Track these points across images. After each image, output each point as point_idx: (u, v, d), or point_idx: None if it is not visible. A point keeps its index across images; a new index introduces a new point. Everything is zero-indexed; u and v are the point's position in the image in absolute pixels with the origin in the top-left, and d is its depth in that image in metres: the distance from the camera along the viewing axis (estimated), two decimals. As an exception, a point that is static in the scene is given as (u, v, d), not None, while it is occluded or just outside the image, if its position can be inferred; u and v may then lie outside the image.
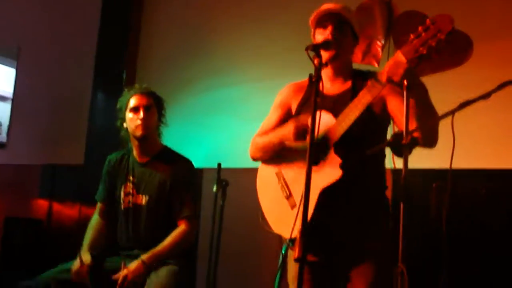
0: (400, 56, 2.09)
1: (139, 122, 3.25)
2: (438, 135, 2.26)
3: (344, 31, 2.45)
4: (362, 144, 2.27)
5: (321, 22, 2.46)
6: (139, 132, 3.25)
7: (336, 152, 2.29)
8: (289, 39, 4.44)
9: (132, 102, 3.30)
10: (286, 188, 2.48)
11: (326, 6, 2.47)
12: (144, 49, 5.55)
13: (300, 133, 2.37)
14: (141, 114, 3.25)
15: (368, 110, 2.28)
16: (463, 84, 3.41)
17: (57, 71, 5.95)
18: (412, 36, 2.06)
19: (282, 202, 2.48)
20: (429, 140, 2.26)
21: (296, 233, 1.91)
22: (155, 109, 3.34)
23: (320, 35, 2.44)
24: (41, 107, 6.03)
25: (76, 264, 3.13)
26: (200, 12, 5.26)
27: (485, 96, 2.02)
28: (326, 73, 2.51)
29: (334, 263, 2.43)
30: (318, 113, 2.01)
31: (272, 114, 2.70)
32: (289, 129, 2.42)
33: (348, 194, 2.31)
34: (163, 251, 3.12)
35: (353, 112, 2.25)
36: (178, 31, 5.36)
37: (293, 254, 1.84)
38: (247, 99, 4.67)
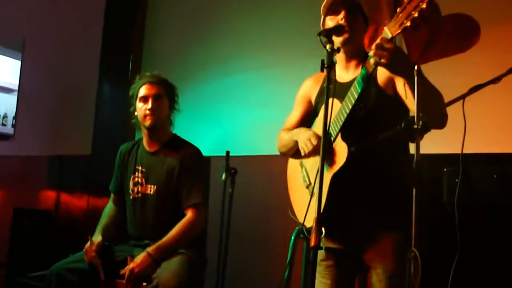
0: (386, 33, 2.04)
1: (147, 112, 3.24)
2: (445, 114, 2.20)
3: (356, 15, 2.44)
4: (376, 128, 2.23)
5: (332, 9, 2.45)
6: (147, 122, 3.25)
7: (349, 137, 2.28)
8: (296, 25, 4.43)
9: (142, 91, 3.29)
10: (307, 177, 2.51)
11: None
12: (149, 38, 5.53)
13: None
14: (150, 104, 3.25)
15: (380, 92, 2.28)
16: (471, 69, 3.39)
17: (63, 62, 5.96)
18: (398, 9, 1.99)
19: (304, 191, 2.51)
20: (436, 120, 2.17)
21: (310, 222, 1.91)
22: (165, 97, 3.33)
23: (331, 22, 2.43)
24: (47, 98, 6.04)
25: (86, 245, 3.15)
26: (205, 1, 5.24)
27: (495, 80, 2.02)
28: (340, 60, 2.51)
29: (355, 250, 2.42)
30: (330, 100, 2.00)
31: (294, 110, 2.75)
32: (308, 134, 2.43)
33: (361, 180, 2.30)
34: (170, 242, 3.08)
35: (349, 100, 2.26)
36: (184, 19, 5.34)
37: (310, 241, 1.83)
38: (255, 86, 4.67)
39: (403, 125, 1.92)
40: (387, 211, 2.32)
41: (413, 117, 1.91)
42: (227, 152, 3.33)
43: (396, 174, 2.34)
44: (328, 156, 2.32)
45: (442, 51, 3.56)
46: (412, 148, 1.91)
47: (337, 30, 2.32)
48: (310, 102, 2.68)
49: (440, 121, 2.21)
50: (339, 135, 2.31)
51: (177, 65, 5.13)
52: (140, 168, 3.34)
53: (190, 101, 4.73)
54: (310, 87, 2.68)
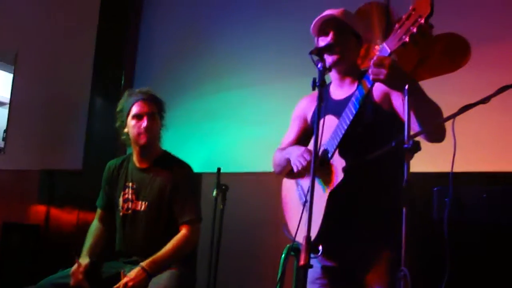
0: (384, 49, 2.08)
1: (142, 130, 3.22)
2: (443, 127, 2.23)
3: (346, 35, 2.47)
4: (374, 144, 2.22)
5: (322, 30, 2.48)
6: (142, 140, 3.23)
7: (347, 154, 2.29)
8: (288, 43, 4.45)
9: (135, 109, 3.26)
10: (303, 195, 2.52)
11: (324, 13, 2.49)
12: (142, 53, 5.55)
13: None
14: (145, 122, 3.22)
15: (376, 107, 2.31)
16: (461, 88, 3.42)
17: (55, 76, 5.96)
18: (397, 25, 2.03)
19: (300, 209, 2.45)
20: (435, 135, 2.23)
21: (301, 239, 1.92)
22: (158, 115, 3.32)
23: (323, 42, 2.45)
24: (39, 112, 6.03)
25: (74, 267, 3.12)
26: (198, 16, 5.27)
27: (485, 100, 2.03)
28: (333, 77, 2.55)
29: (351, 268, 2.42)
30: (322, 119, 2.03)
31: (290, 129, 2.77)
32: (300, 150, 2.45)
33: (359, 198, 2.31)
34: (164, 257, 3.07)
35: (347, 116, 2.27)
36: (177, 35, 5.37)
37: (299, 260, 1.83)
38: (246, 103, 4.68)
39: (393, 144, 1.94)
40: (383, 229, 2.32)
41: (403, 136, 1.93)
42: (218, 169, 3.34)
43: (391, 192, 2.34)
44: (325, 173, 2.33)
45: (433, 70, 3.59)
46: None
47: (328, 48, 2.34)
48: (306, 120, 2.69)
49: (439, 135, 2.24)
50: (337, 151, 2.32)
51: (170, 81, 5.14)
52: (130, 184, 3.32)
53: (182, 117, 4.75)
54: (306, 106, 2.70)
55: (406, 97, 1.97)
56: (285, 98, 4.36)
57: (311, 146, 2.55)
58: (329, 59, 2.38)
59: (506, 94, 2.00)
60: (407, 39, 1.97)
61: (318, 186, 2.31)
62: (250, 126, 4.55)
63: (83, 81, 5.50)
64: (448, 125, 2.00)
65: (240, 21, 4.95)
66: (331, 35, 2.43)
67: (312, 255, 2.04)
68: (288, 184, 2.69)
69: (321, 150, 2.39)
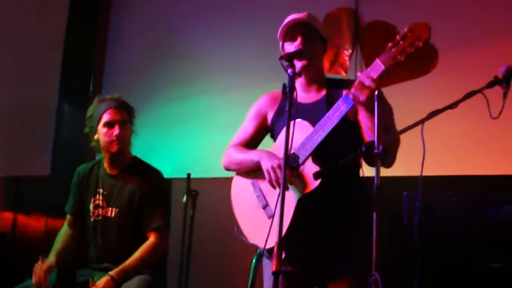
0: (378, 64, 2.14)
1: (114, 138, 3.19)
2: (395, 156, 2.32)
3: (314, 40, 2.48)
4: (339, 152, 2.27)
5: (289, 34, 2.48)
6: (114, 148, 3.20)
7: (315, 161, 2.30)
8: (256, 48, 4.46)
9: (106, 116, 3.22)
10: (262, 198, 2.48)
11: (291, 17, 2.49)
12: (111, 58, 5.51)
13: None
14: (117, 130, 3.19)
15: (345, 116, 2.30)
16: (429, 93, 3.46)
17: (22, 80, 5.85)
18: (390, 44, 2.11)
19: (259, 212, 2.48)
20: (387, 159, 2.28)
21: (271, 244, 1.95)
22: (129, 122, 3.29)
23: (290, 47, 2.45)
24: (4, 117, 5.90)
25: (36, 264, 3.10)
26: (167, 21, 5.25)
27: (453, 105, 2.06)
28: (300, 82, 2.53)
29: (311, 273, 2.42)
30: (292, 123, 2.04)
31: (248, 125, 2.70)
32: (273, 158, 2.41)
33: (325, 204, 2.32)
34: (132, 265, 3.06)
35: (330, 121, 2.27)
36: (146, 40, 5.34)
37: (270, 266, 1.83)
38: (215, 109, 4.68)
39: (363, 149, 1.96)
40: (345, 236, 2.37)
41: (373, 141, 1.94)
42: (188, 175, 3.31)
43: (354, 198, 2.42)
44: (294, 179, 2.32)
45: (403, 75, 3.63)
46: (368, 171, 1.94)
47: (298, 54, 2.34)
48: (265, 119, 2.66)
49: (391, 162, 2.32)
50: (310, 158, 2.31)
51: (139, 85, 5.11)
52: (101, 190, 3.29)
53: (152, 122, 4.72)
54: (266, 105, 2.66)
55: (376, 103, 2.00)
56: (254, 103, 4.37)
57: (276, 149, 2.51)
58: (298, 64, 2.39)
59: (473, 99, 2.03)
60: (402, 59, 2.08)
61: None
62: (219, 131, 4.50)
63: (50, 85, 5.42)
64: (417, 130, 2.03)
65: (208, 26, 4.96)
66: (299, 40, 2.43)
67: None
68: (242, 184, 2.62)
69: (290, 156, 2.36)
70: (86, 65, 5.38)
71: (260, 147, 2.68)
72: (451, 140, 3.43)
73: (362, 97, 2.13)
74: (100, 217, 3.26)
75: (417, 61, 3.50)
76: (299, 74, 2.27)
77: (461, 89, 2.09)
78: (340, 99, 2.28)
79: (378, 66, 2.15)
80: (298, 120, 2.33)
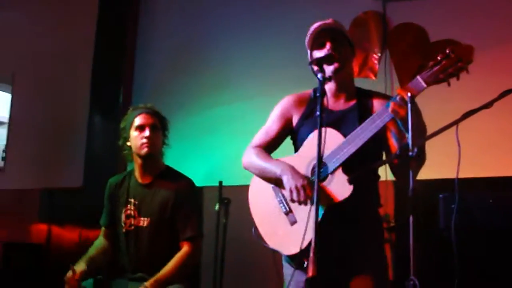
0: (419, 81, 2.16)
1: (144, 140, 3.21)
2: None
3: (343, 44, 2.47)
4: (364, 161, 2.29)
5: (317, 41, 2.47)
6: (144, 150, 3.22)
7: (345, 170, 2.29)
8: (285, 55, 4.46)
9: (138, 120, 3.27)
10: (285, 204, 2.45)
11: (318, 24, 2.47)
12: (140, 70, 5.55)
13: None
14: (147, 132, 3.22)
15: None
16: (463, 94, 3.41)
17: (53, 94, 5.94)
18: (432, 62, 2.15)
19: (280, 218, 2.45)
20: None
21: (294, 251, 2.09)
22: (160, 129, 3.31)
23: (319, 54, 2.43)
24: (37, 131, 6.01)
25: (68, 274, 3.11)
26: (195, 31, 5.28)
27: (488, 105, 2.04)
28: (329, 88, 2.50)
29: (333, 277, 2.39)
30: (324, 129, 2.04)
31: (271, 125, 2.64)
32: (297, 177, 2.33)
33: (347, 211, 2.31)
34: (166, 275, 3.05)
35: (365, 133, 2.27)
36: (174, 51, 5.38)
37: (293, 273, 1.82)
38: (245, 116, 4.68)
39: (398, 152, 1.94)
40: (367, 244, 2.40)
41: (407, 144, 1.93)
42: (220, 182, 3.32)
43: (372, 206, 2.48)
44: (322, 184, 2.30)
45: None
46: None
47: (328, 59, 2.33)
48: (289, 121, 2.60)
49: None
50: (340, 168, 2.30)
51: (168, 96, 5.14)
52: (132, 200, 3.31)
53: (182, 132, 4.75)
54: (292, 106, 2.60)
55: (409, 105, 1.99)
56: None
57: (300, 157, 2.47)
58: (329, 68, 2.37)
59: (509, 98, 2.00)
60: (443, 77, 2.13)
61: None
62: (250, 138, 4.53)
63: (81, 99, 5.48)
64: (452, 131, 2.00)
65: (237, 33, 4.97)
66: (328, 45, 2.42)
67: (295, 267, 2.29)
68: (262, 186, 2.57)
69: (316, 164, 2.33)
70: (115, 78, 5.42)
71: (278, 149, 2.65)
72: (486, 140, 3.39)
73: (402, 112, 2.14)
74: (132, 227, 3.27)
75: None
76: (330, 79, 2.26)
77: (496, 88, 2.06)
78: (377, 113, 2.29)
79: (419, 84, 2.16)
80: (329, 129, 2.29)
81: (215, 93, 4.92)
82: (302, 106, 2.59)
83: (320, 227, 2.14)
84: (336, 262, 2.37)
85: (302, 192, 2.26)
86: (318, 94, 2.09)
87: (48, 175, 5.77)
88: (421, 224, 1.88)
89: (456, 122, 2.02)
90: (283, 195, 2.48)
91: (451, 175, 2.06)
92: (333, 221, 2.28)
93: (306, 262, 2.07)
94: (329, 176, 2.32)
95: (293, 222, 2.40)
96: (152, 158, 3.27)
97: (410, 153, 1.91)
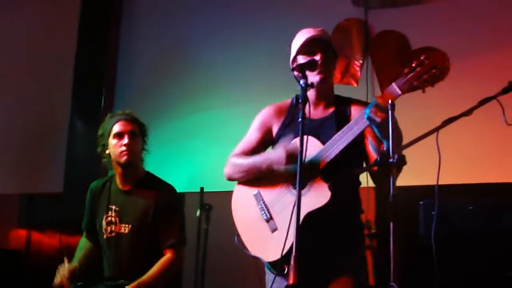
0: (394, 88, 2.15)
1: (123, 148, 3.18)
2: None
3: (330, 55, 2.50)
4: (343, 168, 2.30)
5: (306, 49, 2.48)
6: (123, 158, 3.19)
7: (327, 175, 2.30)
8: (268, 61, 4.47)
9: (116, 128, 3.23)
10: (266, 211, 2.46)
11: (311, 33, 2.49)
12: (122, 75, 5.53)
13: (293, 158, 2.31)
14: (126, 139, 3.19)
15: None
16: (442, 102, 3.44)
17: (34, 99, 5.89)
18: (406, 70, 2.14)
19: (261, 225, 2.46)
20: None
21: (275, 257, 2.11)
22: (139, 136, 3.29)
23: (304, 60, 2.45)
24: (17, 136, 5.95)
25: (61, 265, 3.11)
26: (178, 35, 5.28)
27: (467, 112, 2.06)
28: (309, 96, 2.49)
29: (313, 282, 2.37)
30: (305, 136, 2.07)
31: (251, 135, 2.67)
32: (279, 153, 2.38)
33: (327, 217, 2.32)
34: (150, 280, 3.03)
35: (343, 139, 2.29)
36: (156, 56, 5.37)
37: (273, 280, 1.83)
38: (226, 122, 4.68)
39: (379, 158, 1.95)
40: (347, 250, 2.40)
41: (387, 151, 1.94)
42: (201, 188, 3.31)
43: (353, 212, 2.49)
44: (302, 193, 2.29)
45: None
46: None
47: (310, 64, 2.34)
48: (269, 131, 2.63)
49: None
50: (319, 175, 2.32)
51: (150, 101, 5.13)
52: (113, 207, 3.28)
53: (163, 137, 4.73)
54: (271, 117, 2.63)
55: (390, 112, 2.00)
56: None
57: None
58: (315, 78, 2.40)
59: (488, 106, 2.02)
60: (418, 85, 2.11)
61: (289, 206, 2.25)
62: (231, 144, 4.50)
63: (62, 103, 5.45)
64: (432, 138, 2.01)
65: (220, 38, 4.98)
66: (319, 56, 2.44)
67: (275, 274, 2.30)
68: (244, 195, 2.58)
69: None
70: (97, 81, 5.41)
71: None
72: (466, 148, 3.42)
73: (378, 119, 2.15)
74: (113, 234, 3.24)
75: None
76: (312, 85, 2.26)
77: (476, 96, 2.08)
78: (354, 120, 2.31)
79: (394, 91, 2.16)
80: (308, 137, 2.29)
81: (197, 98, 4.91)
82: (282, 115, 2.62)
83: (300, 233, 2.15)
84: (316, 267, 2.37)
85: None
86: (300, 101, 2.10)
87: (28, 180, 5.72)
88: (401, 230, 1.89)
89: (436, 129, 2.04)
90: (264, 202, 2.49)
91: (432, 181, 2.08)
92: (313, 227, 2.28)
93: (286, 269, 2.08)
94: (308, 183, 2.33)
95: (274, 229, 2.41)
96: (132, 166, 3.25)
97: (391, 160, 1.91)
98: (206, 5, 5.20)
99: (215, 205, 3.27)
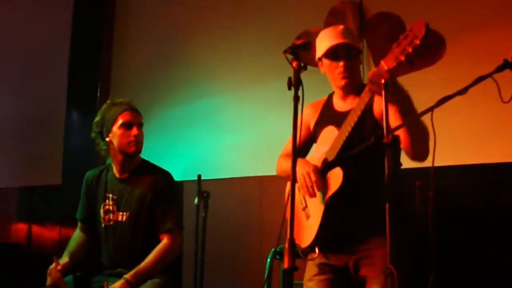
0: (382, 65, 2.12)
1: (133, 139, 3.19)
2: (428, 149, 2.29)
3: (355, 59, 2.54)
4: (369, 158, 2.27)
5: (331, 53, 2.51)
6: (132, 149, 3.19)
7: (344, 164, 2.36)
8: (264, 45, 4.44)
9: (124, 117, 3.21)
10: (303, 200, 2.57)
11: (334, 38, 2.50)
12: (117, 64, 5.51)
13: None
14: (135, 130, 3.20)
15: (375, 123, 2.39)
16: (438, 82, 3.43)
17: (29, 90, 5.88)
18: (395, 44, 2.09)
19: (300, 213, 2.57)
20: (422, 154, 2.32)
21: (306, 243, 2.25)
22: (142, 127, 3.29)
23: (330, 67, 2.54)
24: (14, 128, 5.95)
25: (51, 266, 3.10)
26: (173, 24, 5.26)
27: (462, 91, 2.03)
28: (337, 90, 2.62)
29: (350, 265, 2.48)
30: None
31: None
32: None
33: (354, 198, 2.38)
34: (147, 268, 3.04)
35: (346, 127, 2.34)
36: (151, 44, 5.35)
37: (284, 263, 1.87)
38: (223, 109, 4.67)
39: (373, 139, 1.94)
40: (376, 226, 2.35)
41: (382, 131, 1.92)
42: (199, 176, 3.29)
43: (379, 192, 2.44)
44: (323, 182, 2.44)
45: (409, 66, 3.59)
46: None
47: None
48: (308, 128, 2.73)
49: (424, 155, 2.32)
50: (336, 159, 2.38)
51: (147, 90, 5.12)
52: (110, 195, 3.28)
53: (160, 126, 4.72)
54: (309, 115, 2.71)
55: (384, 92, 1.98)
56: (264, 102, 4.36)
57: (311, 158, 2.64)
58: (340, 82, 2.51)
59: (484, 84, 1.99)
60: (403, 59, 2.03)
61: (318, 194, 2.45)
62: (228, 131, 4.53)
63: (58, 95, 5.44)
64: (427, 118, 1.99)
65: (215, 26, 4.95)
66: (342, 63, 2.48)
67: (309, 258, 2.42)
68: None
69: (321, 160, 2.49)
70: (93, 72, 5.39)
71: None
72: (462, 127, 3.40)
73: (378, 84, 2.12)
74: (111, 222, 3.25)
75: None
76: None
77: (470, 76, 2.06)
78: (356, 105, 2.33)
79: (381, 69, 2.13)
80: (328, 126, 2.51)
81: (194, 86, 4.90)
82: (317, 112, 2.72)
83: (326, 219, 2.39)
84: (349, 250, 2.47)
85: (309, 177, 2.43)
86: (293, 84, 2.09)
87: (26, 173, 5.72)
88: (397, 211, 1.88)
89: (431, 109, 2.01)
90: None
91: (427, 163, 2.06)
92: (341, 210, 2.40)
93: (317, 251, 2.32)
94: (330, 170, 2.42)
95: (308, 216, 2.53)
96: (137, 155, 3.27)
97: (385, 141, 1.90)
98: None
99: (213, 192, 3.25)
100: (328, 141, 2.45)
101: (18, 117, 5.94)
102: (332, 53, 2.51)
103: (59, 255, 3.24)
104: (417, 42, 1.98)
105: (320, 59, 2.58)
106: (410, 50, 2.00)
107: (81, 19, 5.53)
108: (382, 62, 2.13)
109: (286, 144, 2.82)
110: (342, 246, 2.48)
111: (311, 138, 2.73)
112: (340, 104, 2.60)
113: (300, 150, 2.67)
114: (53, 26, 5.79)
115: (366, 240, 2.42)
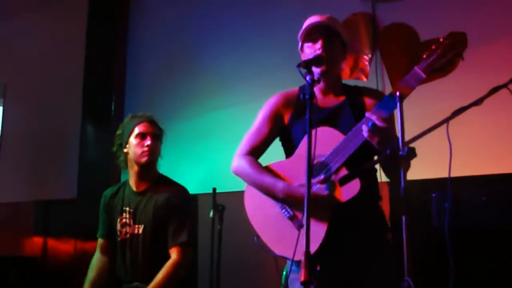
0: (417, 73, 2.17)
1: (146, 148, 3.23)
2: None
3: (334, 44, 2.44)
4: (366, 157, 2.30)
5: (309, 36, 2.45)
6: (144, 158, 3.23)
7: (348, 169, 2.28)
8: (277, 58, 4.45)
9: (140, 128, 3.28)
10: (288, 209, 2.40)
11: (314, 19, 2.46)
12: (131, 78, 5.54)
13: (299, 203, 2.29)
14: (149, 141, 3.24)
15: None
16: (453, 93, 3.41)
17: (45, 106, 5.92)
18: (426, 53, 2.17)
19: (285, 224, 2.40)
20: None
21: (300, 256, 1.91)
22: (159, 139, 3.33)
23: (309, 49, 2.44)
24: (30, 143, 5.99)
25: None
26: (186, 36, 5.27)
27: (478, 102, 2.02)
28: (318, 86, 2.50)
29: (342, 278, 2.37)
30: (320, 128, 2.14)
31: (262, 126, 2.58)
32: (287, 192, 2.34)
33: (349, 208, 2.27)
34: (158, 285, 3.03)
35: (357, 137, 2.26)
36: (165, 57, 5.36)
37: (300, 276, 1.78)
38: (237, 121, 4.65)
39: (388, 151, 1.93)
40: (371, 239, 2.35)
41: (398, 143, 1.92)
42: (214, 189, 3.30)
43: (377, 205, 2.46)
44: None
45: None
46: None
47: (317, 61, 2.30)
48: (280, 120, 2.56)
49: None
50: (344, 166, 2.28)
51: (160, 103, 5.13)
52: (127, 208, 3.29)
53: (175, 139, 4.71)
54: (282, 105, 2.56)
55: (398, 104, 1.97)
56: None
57: (298, 158, 2.44)
58: (316, 70, 2.36)
59: (499, 95, 1.99)
60: (439, 66, 2.17)
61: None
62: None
63: (73, 109, 5.46)
64: (442, 129, 1.98)
65: (229, 38, 4.96)
66: (320, 42, 2.40)
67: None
68: (257, 196, 2.51)
69: (318, 164, 2.33)
70: (107, 86, 5.41)
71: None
72: (478, 138, 3.38)
73: (375, 139, 2.18)
74: (128, 235, 3.26)
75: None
76: (318, 81, 2.22)
77: (484, 86, 2.05)
78: (355, 128, 2.27)
79: (417, 75, 2.17)
80: (325, 127, 2.31)
81: (208, 98, 4.90)
82: (291, 104, 2.56)
83: (330, 228, 2.24)
84: (341, 263, 2.35)
85: (319, 197, 2.25)
86: (307, 97, 2.06)
87: (42, 187, 5.74)
88: (414, 224, 1.86)
89: (446, 120, 2.00)
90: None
91: (443, 174, 2.05)
92: (342, 220, 2.26)
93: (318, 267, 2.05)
94: (333, 175, 2.29)
95: (300, 226, 2.31)
96: (150, 166, 3.28)
97: (401, 152, 1.89)
98: (215, 5, 5.19)
99: (228, 205, 3.25)
100: (327, 143, 2.27)
101: (34, 132, 5.98)
102: (310, 36, 2.43)
103: (75, 270, 3.25)
104: (457, 52, 2.12)
105: (301, 47, 2.51)
106: (449, 56, 2.14)
107: (95, 32, 5.56)
108: (416, 68, 2.18)
109: (248, 137, 2.61)
110: (336, 259, 2.34)
111: (281, 130, 2.56)
112: (321, 100, 2.47)
113: (265, 144, 2.56)
114: (67, 40, 5.84)
115: (367, 258, 2.34)
